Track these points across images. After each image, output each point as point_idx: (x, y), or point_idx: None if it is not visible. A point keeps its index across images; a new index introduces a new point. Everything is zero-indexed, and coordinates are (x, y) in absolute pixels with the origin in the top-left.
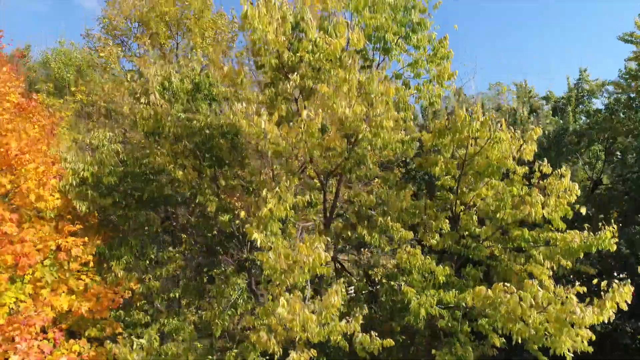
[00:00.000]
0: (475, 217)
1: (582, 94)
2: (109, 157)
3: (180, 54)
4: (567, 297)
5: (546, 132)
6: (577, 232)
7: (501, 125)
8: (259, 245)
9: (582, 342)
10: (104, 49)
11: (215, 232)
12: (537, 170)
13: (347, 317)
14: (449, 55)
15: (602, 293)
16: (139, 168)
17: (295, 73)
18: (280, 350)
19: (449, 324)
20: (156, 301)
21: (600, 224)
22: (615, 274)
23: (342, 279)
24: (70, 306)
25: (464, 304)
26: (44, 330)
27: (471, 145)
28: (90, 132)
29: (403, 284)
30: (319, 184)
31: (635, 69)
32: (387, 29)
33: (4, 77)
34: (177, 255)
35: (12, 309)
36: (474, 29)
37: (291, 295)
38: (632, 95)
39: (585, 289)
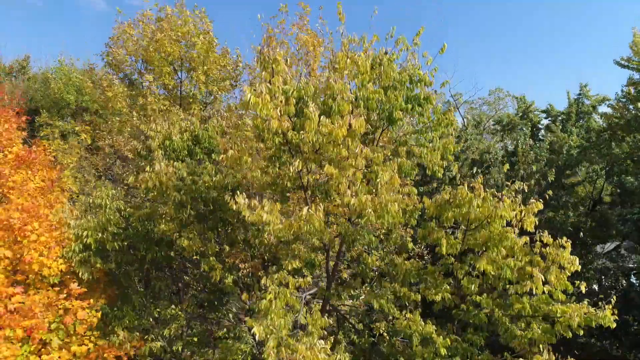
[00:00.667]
0: (476, 284)
1: (582, 108)
2: (112, 217)
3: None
4: None
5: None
6: (577, 306)
7: (502, 201)
8: (257, 339)
9: None
10: (110, 88)
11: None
12: (538, 239)
13: None
14: (453, 124)
15: None
16: (142, 226)
17: (298, 160)
18: None
19: None
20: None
21: (600, 303)
22: None
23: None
24: None
25: None
26: None
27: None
28: (94, 188)
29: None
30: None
31: (634, 94)
32: (394, 107)
33: (6, 130)
34: (180, 313)
35: None
36: (475, 30)
37: None
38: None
39: None
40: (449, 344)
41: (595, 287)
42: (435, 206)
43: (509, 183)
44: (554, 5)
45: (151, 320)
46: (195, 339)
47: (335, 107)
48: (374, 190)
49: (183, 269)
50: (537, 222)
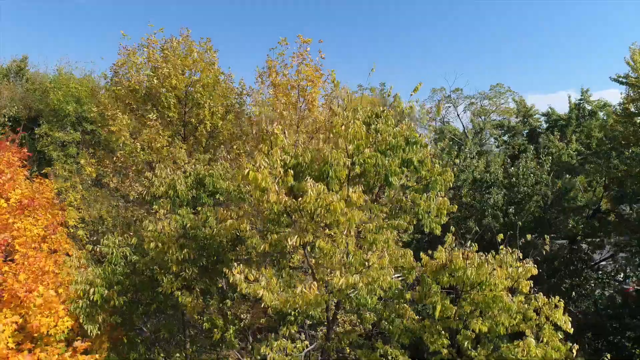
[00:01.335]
0: (471, 340)
1: (583, 113)
2: (118, 264)
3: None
4: None
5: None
6: None
7: (494, 269)
8: None
9: None
10: (114, 122)
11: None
12: (533, 299)
13: None
14: (450, 184)
15: None
16: (148, 273)
17: (296, 236)
18: None
19: None
20: None
21: None
22: None
23: None
24: None
25: None
26: None
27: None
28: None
29: None
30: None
31: (633, 111)
32: (390, 172)
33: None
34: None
35: None
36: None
37: None
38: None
39: None
40: None
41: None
42: (431, 271)
43: (504, 249)
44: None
45: None
46: None
47: (332, 173)
48: (366, 264)
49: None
50: (531, 285)
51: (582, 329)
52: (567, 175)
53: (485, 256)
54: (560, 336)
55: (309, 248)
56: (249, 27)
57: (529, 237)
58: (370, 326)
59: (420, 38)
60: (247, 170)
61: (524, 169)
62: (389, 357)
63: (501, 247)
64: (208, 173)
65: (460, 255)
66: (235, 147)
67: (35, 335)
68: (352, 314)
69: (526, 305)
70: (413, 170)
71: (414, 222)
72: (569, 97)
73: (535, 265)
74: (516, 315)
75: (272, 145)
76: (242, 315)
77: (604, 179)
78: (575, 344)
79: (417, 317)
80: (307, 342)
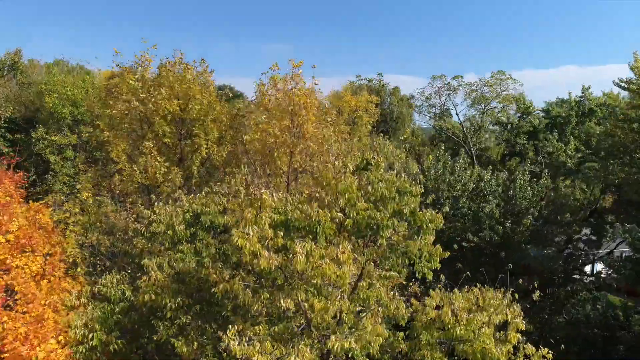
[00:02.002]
0: None
1: (583, 110)
2: (116, 302)
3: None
4: None
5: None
6: None
7: (483, 325)
8: None
9: None
10: (111, 147)
11: None
12: (521, 349)
13: None
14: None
15: None
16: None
17: (289, 299)
18: None
19: None
20: None
21: None
22: None
23: None
24: None
25: None
26: None
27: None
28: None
29: None
30: None
31: (634, 117)
32: (382, 227)
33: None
34: None
35: None
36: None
37: None
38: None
39: None
40: None
41: None
42: (420, 326)
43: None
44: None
45: None
46: None
47: (320, 230)
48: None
49: None
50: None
51: (574, 339)
52: (562, 185)
53: (475, 299)
54: None
55: (305, 305)
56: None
57: (520, 282)
58: None
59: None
60: (236, 239)
61: (521, 182)
62: None
63: (490, 291)
64: (204, 211)
65: (449, 313)
66: (231, 175)
67: None
68: None
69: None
70: (404, 220)
71: (406, 263)
72: (570, 93)
73: (522, 316)
74: None
75: (261, 208)
76: None
77: (601, 185)
78: None
79: None
80: None
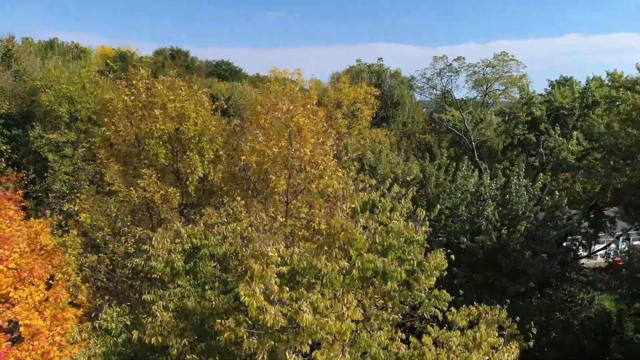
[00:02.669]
0: None
1: (587, 102)
2: (119, 338)
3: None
4: None
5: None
6: None
7: None
8: None
9: None
10: (106, 168)
11: None
12: None
13: None
14: (442, 272)
15: None
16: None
17: (293, 353)
18: None
19: None
20: None
21: None
22: None
23: None
24: None
25: None
26: None
27: None
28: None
29: None
30: None
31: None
32: (390, 277)
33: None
34: None
35: None
36: None
37: None
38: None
39: None
40: None
41: None
42: None
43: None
44: None
45: None
46: None
47: (327, 282)
48: None
49: None
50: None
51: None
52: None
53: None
54: None
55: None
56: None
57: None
58: None
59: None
60: (243, 297)
61: (517, 187)
62: None
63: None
64: (203, 243)
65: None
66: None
67: None
68: None
69: None
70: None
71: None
72: (574, 84)
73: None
74: None
75: (267, 264)
76: None
77: (601, 185)
78: None
79: None
80: None
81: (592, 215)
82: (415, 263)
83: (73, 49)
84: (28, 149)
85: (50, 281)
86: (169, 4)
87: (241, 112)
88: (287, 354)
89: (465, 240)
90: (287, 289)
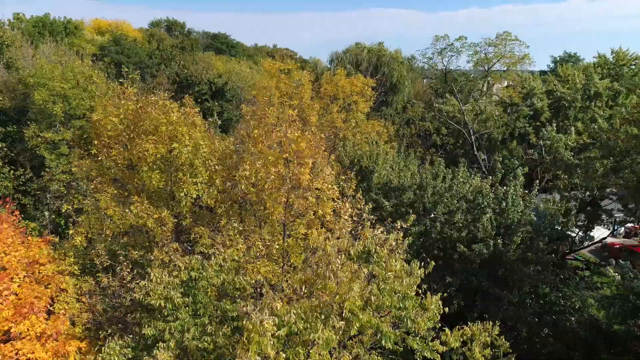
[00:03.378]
0: None
1: (588, 94)
2: None
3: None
4: None
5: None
6: None
7: None
8: None
9: None
10: (101, 194)
11: None
12: None
13: None
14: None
15: None
16: None
17: None
18: None
19: None
20: None
21: None
22: None
23: None
24: None
25: None
26: None
27: None
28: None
29: None
30: None
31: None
32: (386, 338)
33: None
34: None
35: None
36: None
37: None
38: None
39: None
40: None
41: None
42: None
43: None
44: None
45: None
46: None
47: (324, 344)
48: None
49: None
50: None
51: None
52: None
53: None
54: None
55: None
56: None
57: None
58: None
59: None
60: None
61: (513, 196)
62: None
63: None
64: (201, 276)
65: None
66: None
67: None
68: None
69: None
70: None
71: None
72: (577, 75)
73: None
74: None
75: (262, 333)
76: None
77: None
78: None
79: None
80: None
81: (588, 208)
82: (408, 322)
83: (66, 24)
84: (24, 146)
85: (51, 308)
86: None
87: (240, 99)
88: None
89: (462, 247)
90: (284, 355)
